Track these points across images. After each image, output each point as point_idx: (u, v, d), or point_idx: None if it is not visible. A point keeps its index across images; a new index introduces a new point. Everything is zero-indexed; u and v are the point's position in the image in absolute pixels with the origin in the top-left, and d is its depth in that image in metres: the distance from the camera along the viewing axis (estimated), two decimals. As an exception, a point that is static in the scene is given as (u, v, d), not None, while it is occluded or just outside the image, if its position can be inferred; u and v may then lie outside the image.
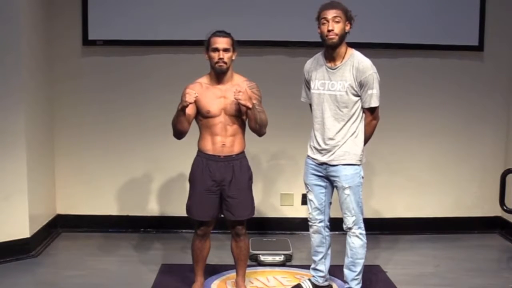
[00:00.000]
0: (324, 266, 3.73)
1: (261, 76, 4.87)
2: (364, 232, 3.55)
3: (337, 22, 3.37)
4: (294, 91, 4.92)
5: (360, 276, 3.58)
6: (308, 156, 3.63)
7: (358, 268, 3.55)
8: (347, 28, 3.41)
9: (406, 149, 5.07)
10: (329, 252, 3.74)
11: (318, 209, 3.64)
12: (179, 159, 4.86)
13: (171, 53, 4.88)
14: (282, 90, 4.94)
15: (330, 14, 3.38)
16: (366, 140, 3.54)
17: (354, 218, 3.51)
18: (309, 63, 3.66)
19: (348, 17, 3.41)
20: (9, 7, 4.20)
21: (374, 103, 3.42)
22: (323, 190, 3.62)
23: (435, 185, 5.12)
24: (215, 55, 3.42)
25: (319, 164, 3.57)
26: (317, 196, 3.63)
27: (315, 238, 3.71)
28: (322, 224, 3.67)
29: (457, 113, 5.07)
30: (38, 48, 4.62)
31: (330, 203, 3.68)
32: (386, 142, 4.90)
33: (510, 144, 5.07)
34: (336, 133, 3.47)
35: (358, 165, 3.49)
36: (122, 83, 4.95)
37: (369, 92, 3.39)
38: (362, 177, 3.54)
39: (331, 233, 3.74)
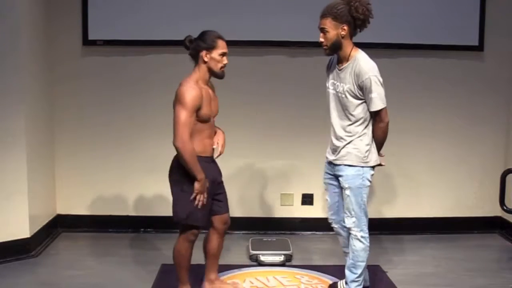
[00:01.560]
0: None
1: (261, 76, 4.91)
2: (366, 235, 3.52)
3: (325, 32, 3.35)
4: (294, 91, 4.95)
5: (360, 278, 3.56)
6: (326, 155, 3.65)
7: (359, 271, 3.53)
8: (343, 32, 3.34)
9: (406, 149, 5.07)
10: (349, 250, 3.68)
11: (332, 209, 3.65)
12: (179, 159, 4.86)
13: (171, 53, 4.87)
14: (282, 90, 4.94)
15: (319, 24, 3.38)
16: (378, 143, 3.49)
17: (354, 219, 3.49)
18: (328, 62, 3.62)
19: (343, 19, 3.32)
20: (9, 7, 4.20)
21: (375, 106, 3.36)
22: (336, 190, 3.61)
23: (435, 185, 5.12)
24: (222, 60, 3.39)
25: (328, 163, 3.60)
26: (331, 195, 3.65)
27: (339, 239, 3.74)
28: (338, 225, 3.67)
29: (457, 113, 5.07)
30: (38, 48, 4.62)
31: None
32: (386, 142, 4.89)
33: (510, 144, 5.07)
34: (342, 133, 3.47)
35: (361, 167, 3.45)
36: (122, 83, 4.95)
37: (369, 96, 3.34)
38: (369, 180, 3.48)
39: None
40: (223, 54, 3.39)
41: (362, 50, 3.50)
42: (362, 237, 3.51)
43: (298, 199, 5.08)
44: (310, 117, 4.89)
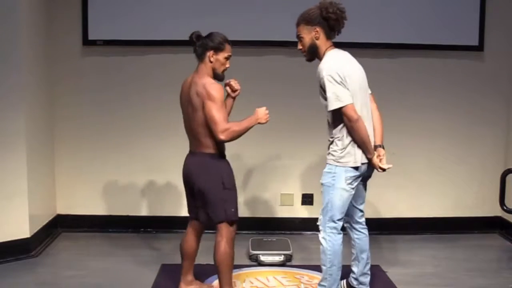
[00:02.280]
0: (356, 268, 3.67)
1: (261, 76, 4.91)
2: (329, 237, 3.39)
3: (301, 39, 3.41)
4: (294, 91, 4.95)
5: (326, 284, 3.46)
6: None
7: (323, 275, 3.46)
8: (316, 34, 3.35)
9: (406, 149, 5.07)
10: (364, 256, 3.63)
11: None
12: (179, 158, 4.84)
13: (171, 53, 4.88)
14: (282, 90, 4.94)
15: (296, 33, 3.44)
16: (359, 145, 3.35)
17: (320, 217, 3.45)
18: None
19: (315, 22, 3.34)
20: (10, 7, 4.20)
21: (330, 106, 3.28)
22: None
23: (435, 185, 5.12)
24: (226, 63, 3.46)
25: None
26: None
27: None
28: (347, 224, 3.62)
29: (457, 113, 5.08)
30: (38, 48, 4.63)
31: (353, 205, 3.58)
32: (385, 142, 4.87)
33: (510, 144, 5.07)
34: (328, 135, 3.46)
35: (335, 166, 3.38)
36: (122, 83, 4.95)
37: (327, 96, 3.29)
38: (345, 182, 3.35)
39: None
40: (227, 58, 3.45)
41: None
42: (322, 238, 3.42)
43: (298, 199, 5.08)
44: (310, 117, 4.89)
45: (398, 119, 4.99)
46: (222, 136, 3.31)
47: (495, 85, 5.07)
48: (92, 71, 4.94)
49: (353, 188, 3.42)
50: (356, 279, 3.70)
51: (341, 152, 3.36)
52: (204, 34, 3.47)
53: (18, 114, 4.28)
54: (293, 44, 4.80)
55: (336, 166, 3.38)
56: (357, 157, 3.37)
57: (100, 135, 4.98)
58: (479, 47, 4.97)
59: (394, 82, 4.95)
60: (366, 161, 3.40)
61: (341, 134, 3.36)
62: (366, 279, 3.68)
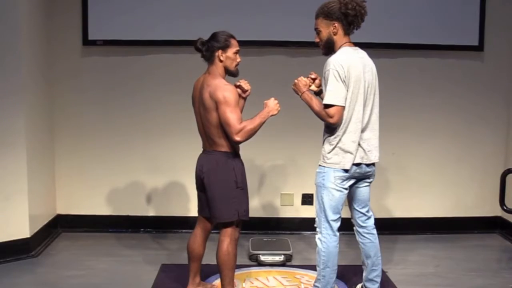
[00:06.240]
0: (364, 273, 3.60)
1: (261, 76, 4.90)
2: (324, 238, 3.36)
3: (319, 32, 3.37)
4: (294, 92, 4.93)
5: (319, 285, 3.42)
6: None
7: (317, 276, 3.43)
8: (334, 29, 3.31)
9: (406, 149, 5.07)
10: (369, 262, 3.55)
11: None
12: (179, 159, 4.87)
13: (171, 53, 4.88)
14: (282, 90, 4.92)
15: (314, 25, 3.39)
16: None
17: (316, 218, 3.42)
18: None
19: (334, 17, 3.29)
20: (10, 7, 4.20)
21: (325, 99, 3.25)
22: None
23: (435, 185, 5.12)
24: (236, 58, 3.47)
25: None
26: None
27: None
28: (354, 227, 3.58)
29: (457, 113, 5.08)
30: (38, 48, 4.62)
31: (355, 208, 3.57)
32: (386, 142, 4.88)
33: (510, 144, 5.07)
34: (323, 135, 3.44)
35: (323, 166, 3.36)
36: (122, 83, 4.95)
37: (326, 89, 3.27)
38: (332, 183, 3.33)
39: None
40: (236, 52, 3.47)
41: (363, 50, 3.47)
42: (319, 238, 3.40)
43: (298, 199, 5.08)
44: (310, 117, 4.85)
45: (398, 119, 4.99)
46: (237, 138, 3.32)
47: (495, 85, 5.07)
48: (92, 71, 4.94)
49: (345, 188, 3.37)
50: (363, 284, 3.65)
51: (329, 153, 3.34)
52: (204, 34, 3.47)
53: (18, 114, 4.28)
54: (293, 44, 4.88)
55: (325, 166, 3.36)
56: (345, 159, 3.33)
57: (100, 135, 4.98)
58: (479, 47, 4.97)
59: (394, 82, 4.94)
60: (358, 161, 3.35)
61: (330, 135, 3.35)
62: (373, 286, 3.58)
